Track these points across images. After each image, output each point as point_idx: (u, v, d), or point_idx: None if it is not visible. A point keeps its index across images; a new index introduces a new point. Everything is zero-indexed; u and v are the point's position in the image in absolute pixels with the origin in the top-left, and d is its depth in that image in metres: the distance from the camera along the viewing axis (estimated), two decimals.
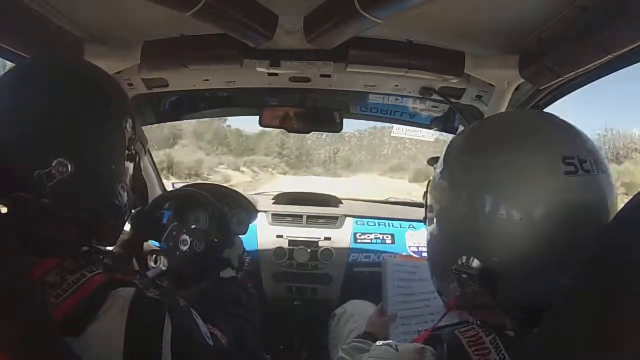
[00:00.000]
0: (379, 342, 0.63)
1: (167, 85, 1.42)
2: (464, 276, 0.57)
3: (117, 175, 0.69)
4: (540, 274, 0.53)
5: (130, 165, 0.73)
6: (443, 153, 0.67)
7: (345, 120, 1.56)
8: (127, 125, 0.70)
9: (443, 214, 0.63)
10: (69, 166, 0.60)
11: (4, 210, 0.57)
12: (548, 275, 0.53)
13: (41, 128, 0.61)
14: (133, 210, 0.79)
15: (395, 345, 0.60)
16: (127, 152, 0.71)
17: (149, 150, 1.72)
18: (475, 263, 0.56)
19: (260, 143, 37.84)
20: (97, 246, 0.68)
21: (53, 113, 0.62)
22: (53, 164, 0.59)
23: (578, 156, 0.55)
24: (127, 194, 0.71)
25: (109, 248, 1.04)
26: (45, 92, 0.62)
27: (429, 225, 0.68)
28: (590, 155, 0.56)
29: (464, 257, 0.57)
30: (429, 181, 0.69)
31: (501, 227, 0.55)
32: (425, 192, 0.70)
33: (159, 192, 1.77)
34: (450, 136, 1.68)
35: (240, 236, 1.42)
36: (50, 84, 0.63)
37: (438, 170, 0.66)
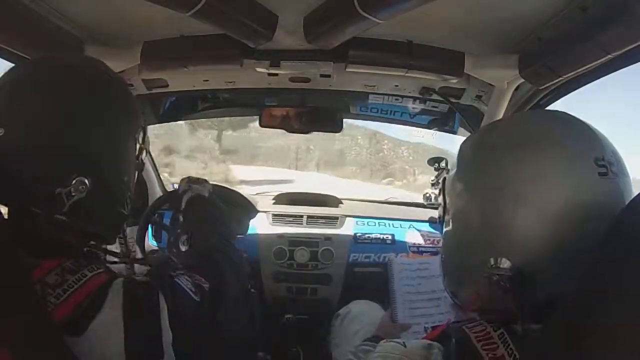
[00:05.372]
0: (384, 340, 0.63)
1: (167, 86, 1.42)
2: (495, 278, 0.56)
3: (128, 186, 0.69)
4: (569, 274, 0.52)
5: (136, 173, 0.73)
6: (459, 153, 0.66)
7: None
8: (139, 136, 0.71)
9: (464, 214, 0.62)
10: (87, 183, 0.59)
11: (4, 210, 0.57)
12: (575, 275, 0.51)
13: (61, 142, 0.59)
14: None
15: (404, 342, 0.59)
16: (136, 161, 0.71)
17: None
18: (506, 264, 0.56)
19: None
20: (97, 245, 0.68)
21: (73, 126, 0.59)
22: (73, 182, 0.58)
23: (607, 158, 0.54)
24: (130, 199, 0.71)
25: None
26: (65, 102, 0.60)
27: (445, 226, 0.67)
28: (614, 158, 0.56)
29: (492, 260, 0.56)
30: (443, 180, 0.68)
31: (532, 227, 0.54)
32: (442, 191, 0.68)
33: (158, 192, 1.75)
34: (450, 136, 1.68)
35: (241, 236, 1.42)
36: (71, 93, 0.61)
37: (456, 170, 0.65)
